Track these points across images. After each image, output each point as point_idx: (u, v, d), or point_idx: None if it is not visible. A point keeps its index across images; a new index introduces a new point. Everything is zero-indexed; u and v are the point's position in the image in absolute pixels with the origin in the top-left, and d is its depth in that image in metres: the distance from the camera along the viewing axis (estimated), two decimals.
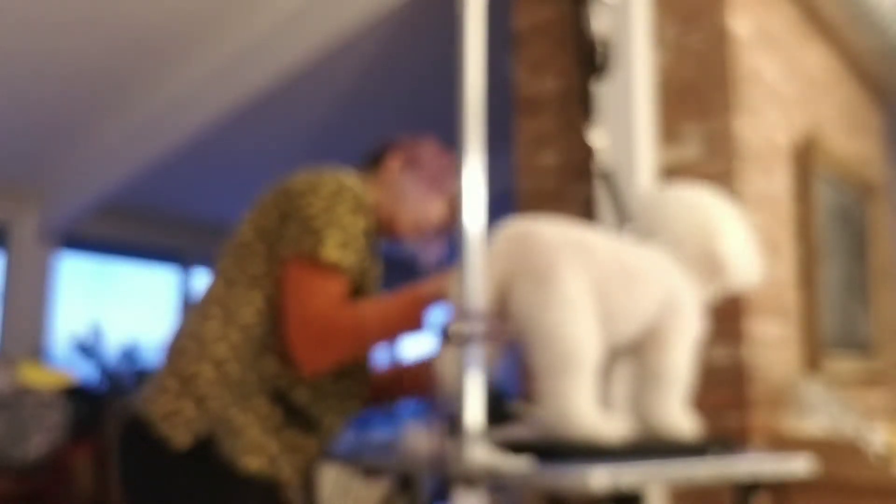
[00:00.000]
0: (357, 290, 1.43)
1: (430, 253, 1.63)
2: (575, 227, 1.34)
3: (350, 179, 1.43)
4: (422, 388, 1.57)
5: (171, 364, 1.40)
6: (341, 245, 1.34)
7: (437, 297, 1.36)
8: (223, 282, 1.43)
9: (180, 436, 1.32)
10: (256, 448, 1.34)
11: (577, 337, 1.24)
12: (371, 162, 1.62)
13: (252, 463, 1.33)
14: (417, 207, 1.57)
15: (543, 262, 1.26)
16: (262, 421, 1.35)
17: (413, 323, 1.36)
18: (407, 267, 1.74)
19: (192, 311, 1.46)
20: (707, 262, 1.40)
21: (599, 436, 1.23)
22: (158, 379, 1.40)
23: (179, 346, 1.41)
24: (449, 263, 1.30)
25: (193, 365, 1.36)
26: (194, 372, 1.35)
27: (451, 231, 1.63)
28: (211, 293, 1.44)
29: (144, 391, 1.42)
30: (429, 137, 1.64)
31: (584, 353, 1.24)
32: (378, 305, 1.38)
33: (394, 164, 1.59)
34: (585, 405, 1.24)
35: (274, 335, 1.38)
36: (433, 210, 1.59)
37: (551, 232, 1.30)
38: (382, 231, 1.57)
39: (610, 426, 1.25)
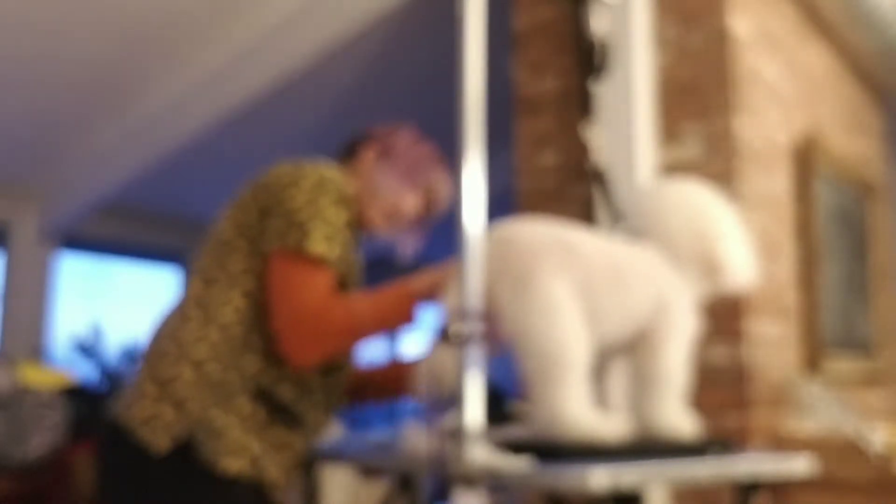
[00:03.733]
0: (341, 283, 1.41)
1: (407, 246, 1.61)
2: (560, 228, 1.33)
3: (331, 171, 1.40)
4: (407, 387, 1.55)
5: (150, 368, 1.37)
6: (327, 237, 1.32)
7: (429, 292, 1.35)
8: (202, 281, 1.40)
9: (159, 440, 1.30)
10: (237, 449, 1.32)
11: (562, 340, 1.24)
12: (346, 152, 1.59)
13: (232, 465, 1.31)
14: (389, 199, 1.52)
15: (523, 266, 1.25)
16: (243, 421, 1.33)
17: (404, 317, 1.35)
18: (391, 264, 1.72)
19: (172, 312, 1.44)
20: (704, 263, 1.39)
21: (597, 436, 1.23)
22: (137, 384, 1.37)
23: (158, 349, 1.39)
24: (441, 258, 1.30)
25: (172, 368, 1.34)
26: (173, 375, 1.33)
27: (427, 223, 1.61)
28: (189, 293, 1.41)
29: (124, 396, 1.40)
30: (406, 126, 1.61)
31: (571, 355, 1.24)
32: (369, 299, 1.36)
33: (368, 155, 1.55)
34: (578, 407, 1.24)
35: (255, 333, 1.36)
36: (406, 202, 1.54)
37: (531, 234, 1.29)
38: (358, 227, 1.53)
39: (607, 426, 1.25)
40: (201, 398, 1.32)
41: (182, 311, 1.40)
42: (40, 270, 5.52)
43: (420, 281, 1.36)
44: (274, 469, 1.37)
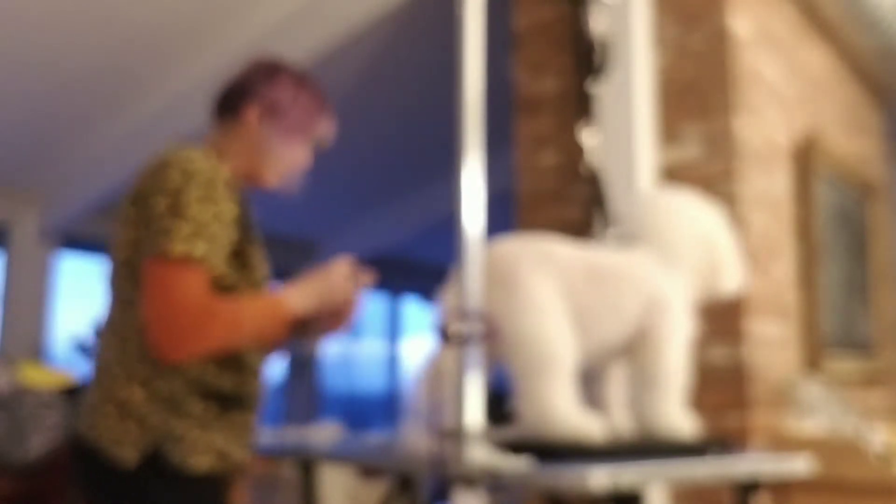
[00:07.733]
0: (240, 259, 1.42)
1: (293, 187, 1.59)
2: (536, 239, 1.40)
3: (199, 160, 1.38)
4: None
5: (105, 389, 1.40)
6: (190, 235, 1.31)
7: (302, 305, 1.39)
8: (121, 303, 1.41)
9: (128, 455, 1.33)
10: (203, 448, 1.36)
11: (548, 339, 1.28)
12: (226, 112, 1.56)
13: (202, 463, 1.35)
14: (282, 160, 1.52)
15: (504, 269, 1.32)
16: (199, 420, 1.37)
17: (276, 326, 1.37)
18: (400, 264, 1.72)
19: (105, 333, 1.45)
20: (705, 269, 1.45)
21: (580, 434, 1.24)
22: (97, 403, 1.40)
23: (108, 371, 1.41)
24: (442, 258, 1.30)
25: (124, 389, 1.37)
26: (126, 396, 1.36)
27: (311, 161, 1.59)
28: (116, 315, 1.43)
29: (86, 416, 1.41)
30: (283, 70, 1.57)
31: (557, 353, 1.28)
32: (245, 301, 1.39)
33: (252, 116, 1.51)
34: (563, 404, 1.26)
35: None
36: (299, 157, 1.54)
37: (507, 245, 1.38)
38: (248, 184, 1.52)
39: (591, 424, 1.26)
40: (158, 411, 1.36)
41: (117, 334, 1.41)
42: (40, 270, 5.52)
43: (293, 294, 1.39)
44: (238, 452, 1.42)
